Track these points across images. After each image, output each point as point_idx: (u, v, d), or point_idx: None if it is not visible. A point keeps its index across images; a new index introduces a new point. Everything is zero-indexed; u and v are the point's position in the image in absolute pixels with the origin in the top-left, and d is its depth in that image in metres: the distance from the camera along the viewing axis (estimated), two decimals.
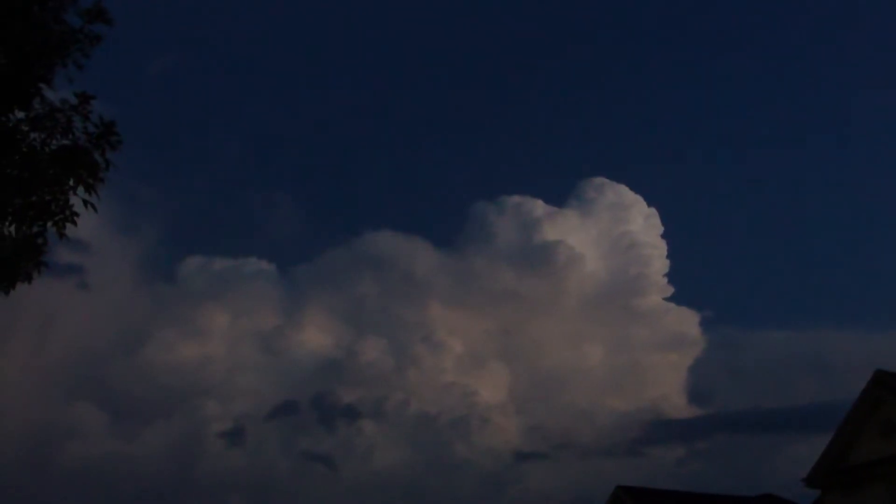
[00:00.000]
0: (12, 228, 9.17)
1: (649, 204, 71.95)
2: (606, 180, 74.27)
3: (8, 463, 55.97)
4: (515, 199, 74.44)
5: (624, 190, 72.89)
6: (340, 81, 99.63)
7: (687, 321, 72.68)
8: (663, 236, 70.82)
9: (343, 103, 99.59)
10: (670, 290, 71.02)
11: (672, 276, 71.15)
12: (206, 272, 73.80)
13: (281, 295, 74.28)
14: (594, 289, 72.05)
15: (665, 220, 72.51)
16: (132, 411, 65.73)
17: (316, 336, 69.80)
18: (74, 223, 9.20)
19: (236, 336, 70.09)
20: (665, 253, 70.44)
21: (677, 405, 72.07)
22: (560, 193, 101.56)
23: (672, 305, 71.87)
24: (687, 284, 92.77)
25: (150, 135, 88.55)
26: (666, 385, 72.13)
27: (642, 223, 71.09)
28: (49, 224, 9.20)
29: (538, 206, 72.94)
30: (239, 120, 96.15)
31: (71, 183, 9.12)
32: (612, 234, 71.72)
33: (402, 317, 72.52)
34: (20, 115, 9.29)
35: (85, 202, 9.13)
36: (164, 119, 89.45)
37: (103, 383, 66.08)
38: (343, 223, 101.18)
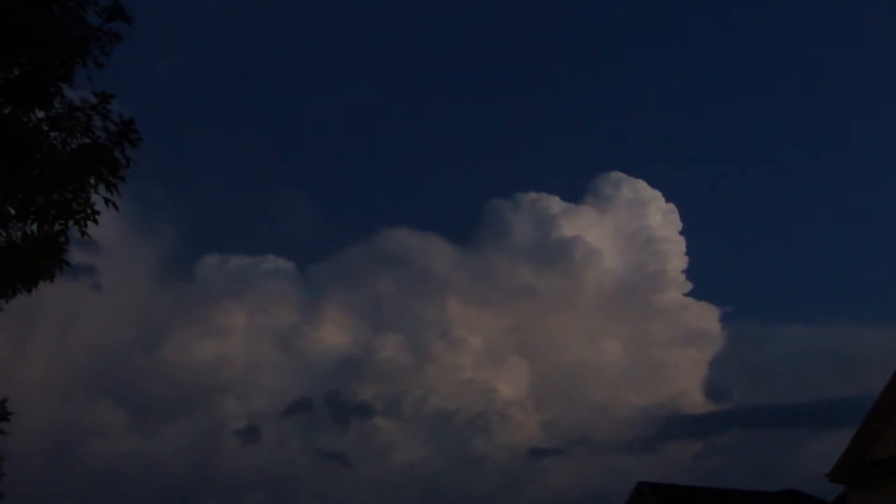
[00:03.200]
0: (34, 227, 9.22)
1: (668, 199, 71.58)
2: (624, 175, 73.92)
3: (32, 460, 56.46)
4: (531, 195, 74.23)
5: (642, 185, 72.52)
6: (355, 79, 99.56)
7: (706, 316, 72.09)
8: (682, 232, 70.46)
9: (357, 101, 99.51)
10: (689, 286, 70.66)
11: (691, 272, 70.53)
12: (223, 270, 74.02)
13: (298, 292, 74.45)
14: (612, 285, 71.87)
15: (684, 215, 72.06)
16: (151, 409, 66.10)
17: (334, 333, 69.92)
18: (96, 222, 9.25)
19: (254, 334, 70.33)
20: (684, 249, 70.07)
21: (696, 400, 71.57)
22: (576, 189, 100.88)
23: (691, 301, 71.38)
24: (706, 280, 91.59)
25: (164, 133, 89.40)
26: (685, 380, 71.60)
27: (661, 219, 70.70)
28: (71, 223, 9.25)
29: (554, 203, 72.72)
30: (254, 118, 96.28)
31: (92, 181, 9.17)
32: (629, 229, 71.50)
33: (420, 313, 72.49)
34: (40, 114, 9.32)
35: (106, 201, 9.20)
36: (178, 117, 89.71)
37: (122, 382, 66.50)
38: (359, 221, 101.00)
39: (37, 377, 59.44)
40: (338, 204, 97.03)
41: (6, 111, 9.18)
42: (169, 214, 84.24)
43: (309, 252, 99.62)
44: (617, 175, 73.49)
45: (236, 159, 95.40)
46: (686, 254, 70.25)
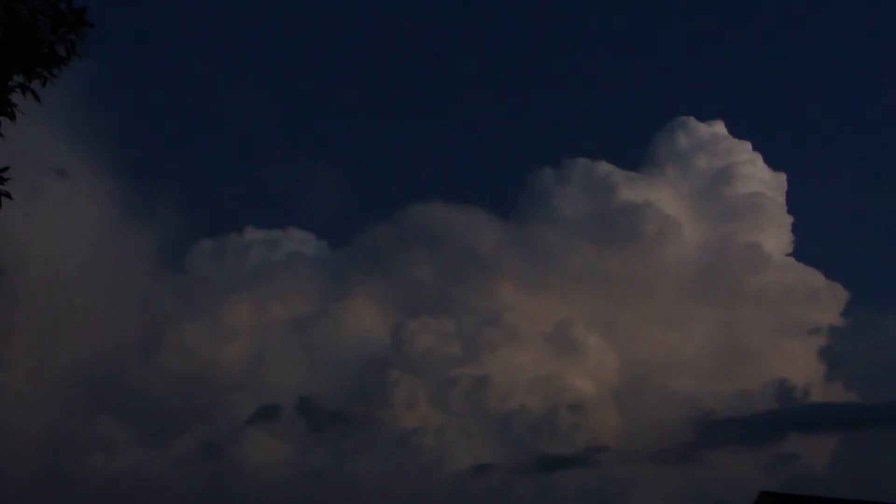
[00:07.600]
0: None
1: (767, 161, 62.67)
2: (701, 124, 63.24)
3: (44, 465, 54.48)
4: (583, 161, 64.58)
5: (722, 131, 62.67)
6: (381, 29, 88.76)
7: (813, 300, 62.07)
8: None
9: (380, 54, 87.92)
10: (791, 263, 62.25)
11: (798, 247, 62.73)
12: (241, 251, 66.58)
13: (324, 274, 68.12)
14: (695, 265, 64.73)
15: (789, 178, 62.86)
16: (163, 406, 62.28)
17: (363, 321, 64.04)
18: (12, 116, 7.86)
19: (270, 324, 65.47)
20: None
21: (798, 396, 62.88)
22: (635, 149, 79.76)
23: (795, 280, 62.50)
24: (815, 256, 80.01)
25: (181, 105, 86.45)
26: (788, 372, 63.01)
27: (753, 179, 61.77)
28: None
29: (612, 170, 63.39)
30: (273, 83, 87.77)
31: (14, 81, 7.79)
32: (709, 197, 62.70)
33: (459, 298, 65.44)
34: None
35: (23, 88, 7.78)
36: (194, 94, 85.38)
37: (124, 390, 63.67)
38: (386, 195, 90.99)
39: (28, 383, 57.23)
40: (362, 177, 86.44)
41: None
42: (173, 194, 78.35)
43: (334, 230, 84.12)
44: (685, 121, 63.53)
45: (253, 130, 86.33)
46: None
